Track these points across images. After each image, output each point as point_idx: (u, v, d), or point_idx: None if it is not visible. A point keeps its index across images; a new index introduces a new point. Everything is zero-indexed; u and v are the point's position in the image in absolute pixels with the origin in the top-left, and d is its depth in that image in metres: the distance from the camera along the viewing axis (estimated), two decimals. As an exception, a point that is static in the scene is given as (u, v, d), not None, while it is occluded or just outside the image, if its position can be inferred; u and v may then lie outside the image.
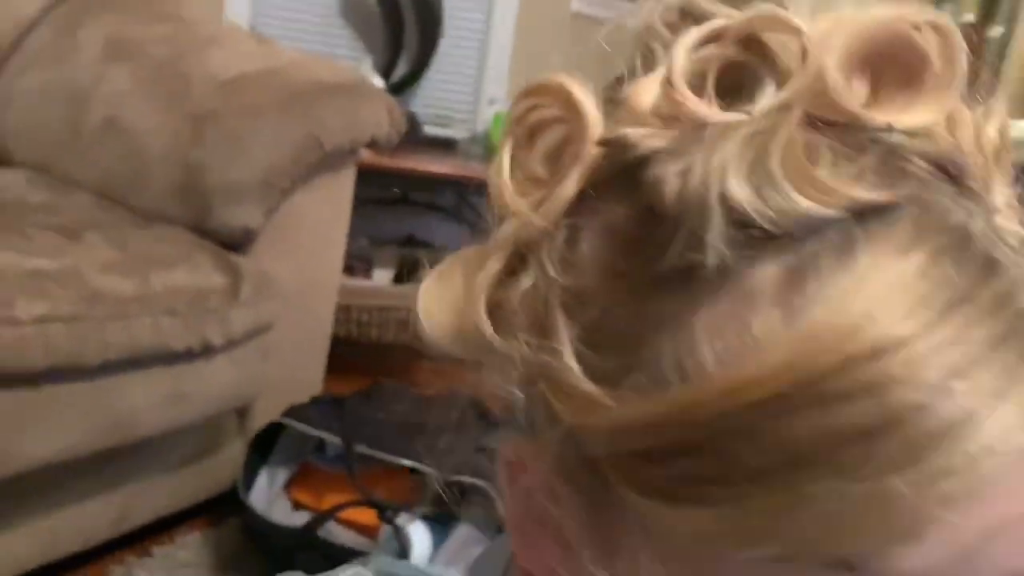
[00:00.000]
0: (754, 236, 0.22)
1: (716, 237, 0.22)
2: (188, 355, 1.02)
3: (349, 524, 1.02)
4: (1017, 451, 0.21)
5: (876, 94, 0.24)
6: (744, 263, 0.22)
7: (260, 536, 1.05)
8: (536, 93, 0.27)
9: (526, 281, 0.26)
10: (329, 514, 1.00)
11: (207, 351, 1.04)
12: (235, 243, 1.15)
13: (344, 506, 0.99)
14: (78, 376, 0.91)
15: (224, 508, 1.21)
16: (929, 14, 0.24)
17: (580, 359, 0.24)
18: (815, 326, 0.21)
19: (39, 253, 0.95)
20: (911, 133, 0.24)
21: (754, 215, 0.22)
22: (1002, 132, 0.26)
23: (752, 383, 0.21)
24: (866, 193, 0.22)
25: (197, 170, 1.14)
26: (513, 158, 0.27)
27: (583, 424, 0.24)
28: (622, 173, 0.24)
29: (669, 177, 0.23)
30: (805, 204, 0.22)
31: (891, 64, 0.24)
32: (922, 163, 0.23)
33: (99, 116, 1.22)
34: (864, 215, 0.22)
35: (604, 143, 0.25)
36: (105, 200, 1.18)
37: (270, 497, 1.11)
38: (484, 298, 0.27)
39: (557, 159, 0.26)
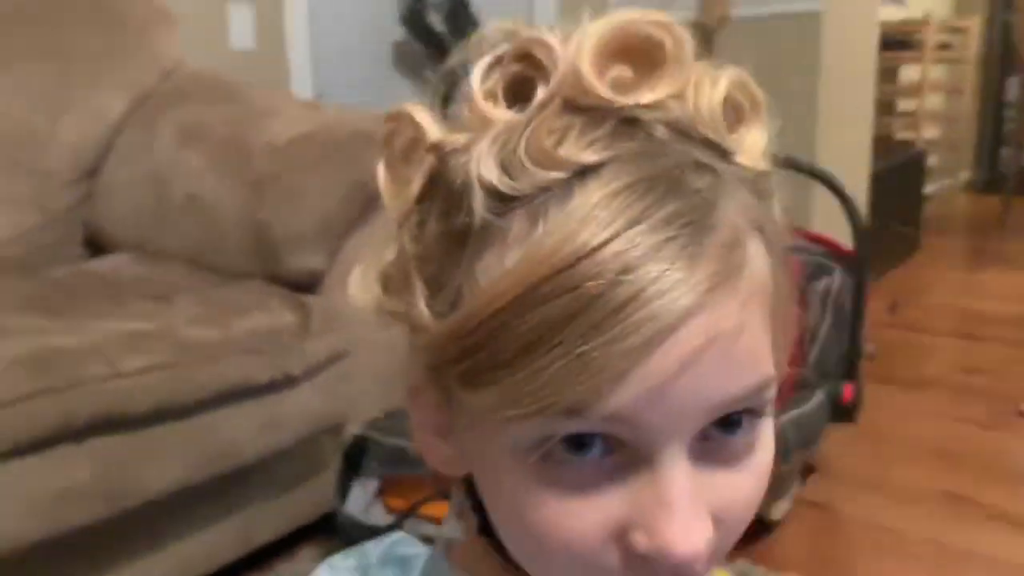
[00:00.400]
0: (505, 200, 0.32)
1: (479, 205, 0.32)
2: (273, 386, 1.16)
3: (433, 519, 1.13)
4: (677, 315, 0.29)
5: (635, 78, 0.33)
6: (499, 220, 0.32)
7: (357, 540, 1.18)
8: (393, 119, 0.37)
9: (396, 254, 0.37)
10: (411, 511, 1.11)
11: (290, 381, 1.18)
12: (306, 285, 1.30)
13: (423, 501, 1.10)
14: (179, 415, 1.07)
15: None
16: (658, 14, 0.33)
17: (427, 304, 0.34)
18: (538, 250, 0.30)
19: (137, 318, 1.12)
20: (655, 105, 0.32)
21: (501, 187, 0.31)
22: (730, 94, 0.34)
23: (500, 295, 0.30)
24: (588, 157, 0.31)
25: (264, 227, 1.30)
26: (387, 167, 0.37)
27: (428, 342, 0.34)
28: (437, 169, 0.35)
29: (456, 167, 0.33)
30: (540, 173, 0.31)
31: (638, 54, 0.33)
32: (660, 126, 0.32)
33: (180, 195, 1.40)
34: (584, 172, 0.31)
35: (429, 148, 0.35)
36: (192, 266, 1.36)
37: (365, 506, 1.23)
38: (377, 272, 0.37)
39: (411, 161, 0.36)
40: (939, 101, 4.34)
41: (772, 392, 0.34)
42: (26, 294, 1.23)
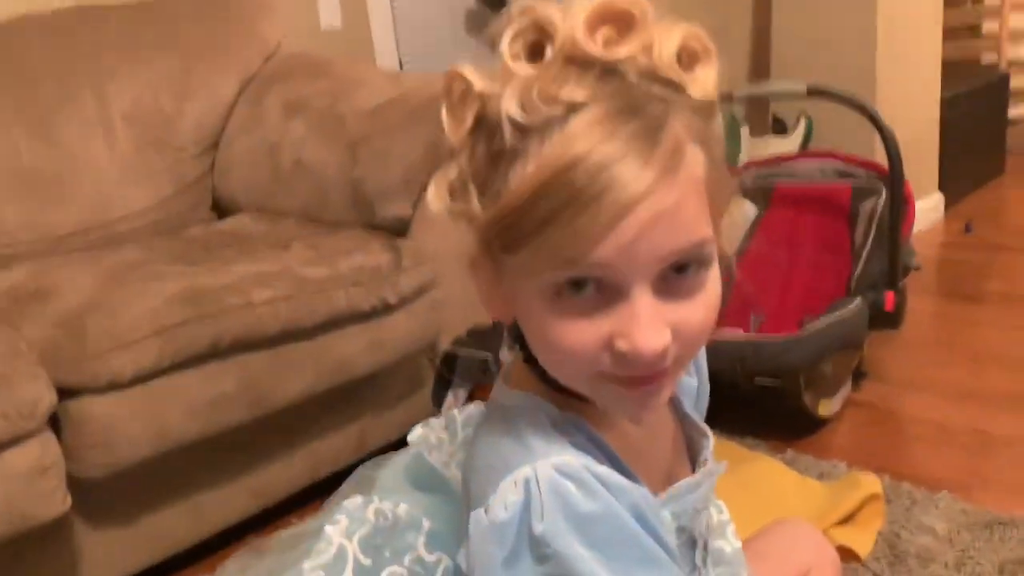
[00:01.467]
0: (527, 128, 0.47)
1: (508, 134, 0.47)
2: (375, 312, 1.38)
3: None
4: (634, 197, 0.45)
5: (616, 37, 0.48)
6: (521, 143, 0.47)
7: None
8: (449, 77, 0.50)
9: (457, 171, 0.52)
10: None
11: (388, 308, 1.40)
12: (397, 229, 1.51)
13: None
14: (301, 336, 1.30)
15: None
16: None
17: (479, 201, 0.50)
18: (545, 160, 0.46)
19: (262, 262, 1.35)
20: (629, 57, 0.47)
21: (521, 120, 0.47)
22: (683, 44, 0.48)
23: (523, 192, 0.46)
24: (578, 96, 0.46)
25: (359, 183, 1.51)
26: (448, 111, 0.51)
27: (480, 227, 0.50)
28: (482, 111, 0.50)
29: (492, 109, 0.48)
30: (545, 109, 0.46)
31: (615, 20, 0.48)
32: (632, 73, 0.47)
33: (289, 160, 1.63)
34: (576, 107, 0.46)
35: (476, 95, 0.50)
36: (303, 220, 1.59)
37: (460, 408, 1.45)
38: (446, 184, 0.53)
39: (465, 106, 0.51)
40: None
41: (711, 248, 0.49)
42: (170, 249, 1.49)
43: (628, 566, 0.50)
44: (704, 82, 0.49)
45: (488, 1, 2.30)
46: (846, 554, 1.12)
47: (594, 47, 0.46)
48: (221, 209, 1.79)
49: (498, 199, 0.48)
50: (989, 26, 3.81)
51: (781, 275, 1.76)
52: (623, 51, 0.46)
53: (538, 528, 0.49)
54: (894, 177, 1.50)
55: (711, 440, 0.68)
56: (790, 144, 2.38)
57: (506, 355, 0.61)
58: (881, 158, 1.84)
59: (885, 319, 1.49)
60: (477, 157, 0.50)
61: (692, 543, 0.65)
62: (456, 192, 0.51)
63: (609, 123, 0.45)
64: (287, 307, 1.28)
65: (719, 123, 0.51)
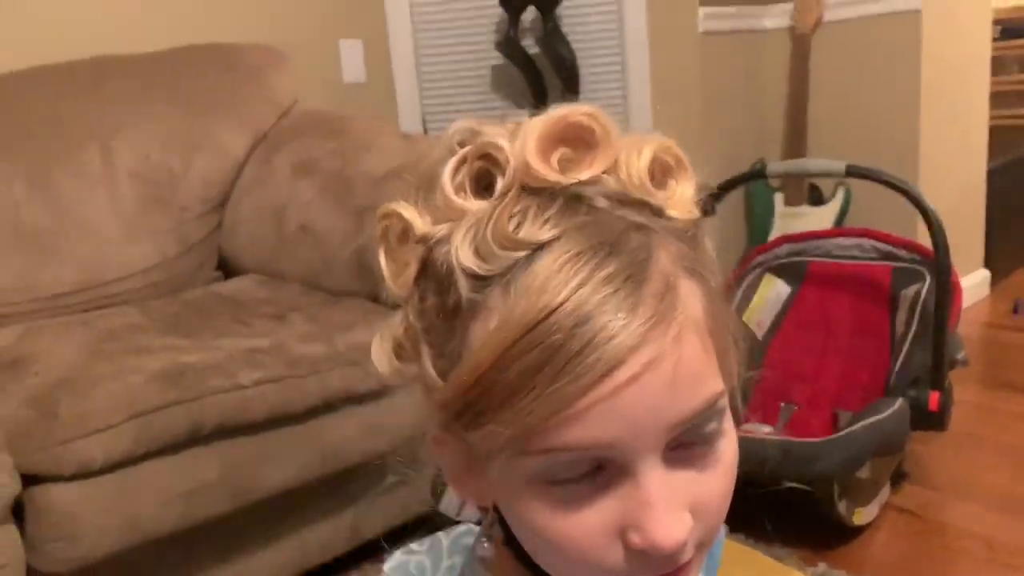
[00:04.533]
0: (484, 279, 0.39)
1: (463, 286, 0.39)
2: (372, 395, 1.29)
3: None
4: (622, 352, 0.36)
5: (576, 159, 0.40)
6: (480, 295, 0.39)
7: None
8: (385, 216, 0.44)
9: (405, 328, 0.44)
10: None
11: (387, 390, 1.31)
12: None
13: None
14: (290, 422, 1.21)
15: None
16: (586, 107, 0.40)
17: (434, 365, 0.42)
18: (510, 316, 0.37)
19: (256, 335, 1.27)
20: (593, 181, 0.40)
21: (478, 270, 0.39)
22: (654, 158, 0.41)
23: (487, 356, 0.37)
24: (543, 235, 0.38)
25: (365, 252, 1.43)
26: (387, 256, 0.45)
27: (439, 399, 0.41)
28: (427, 256, 0.42)
29: (440, 256, 0.41)
30: (506, 255, 0.38)
31: (573, 140, 0.40)
32: (600, 198, 0.39)
33: (294, 224, 1.56)
34: (543, 245, 0.38)
35: (419, 239, 0.42)
36: (306, 287, 1.51)
37: (458, 506, 1.34)
38: (391, 345, 0.45)
39: (406, 250, 0.43)
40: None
41: (724, 403, 0.40)
42: (166, 315, 1.42)
43: None
44: (683, 199, 0.41)
45: (514, 56, 2.25)
46: None
47: (551, 172, 0.39)
48: (228, 269, 1.73)
49: (457, 361, 0.40)
50: (1036, 92, 3.70)
51: (814, 361, 1.64)
52: (585, 174, 0.39)
53: None
54: (940, 265, 1.39)
55: None
56: (827, 214, 2.27)
57: (483, 543, 0.51)
58: (922, 237, 1.72)
59: (929, 420, 1.37)
60: (428, 310, 0.42)
61: None
62: (405, 352, 0.44)
63: (584, 263, 0.37)
64: (277, 390, 1.19)
65: (709, 246, 0.43)
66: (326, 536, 1.37)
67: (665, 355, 0.37)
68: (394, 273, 0.43)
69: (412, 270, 0.42)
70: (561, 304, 0.36)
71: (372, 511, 1.41)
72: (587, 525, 0.39)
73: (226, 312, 1.42)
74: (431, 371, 0.42)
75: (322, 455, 1.26)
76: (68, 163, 1.59)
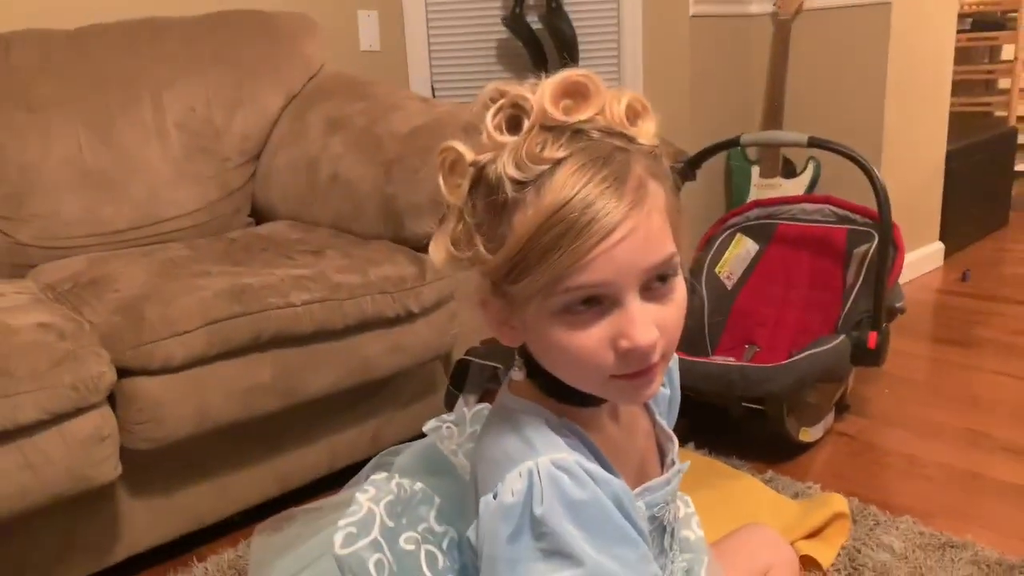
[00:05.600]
0: (524, 183, 0.60)
1: (509, 189, 0.59)
2: (398, 319, 1.52)
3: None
4: (615, 222, 0.58)
5: (576, 106, 0.62)
6: (520, 194, 0.60)
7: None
8: (444, 151, 0.63)
9: (461, 226, 0.65)
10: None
11: (410, 316, 1.54)
12: (423, 244, 1.64)
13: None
14: (332, 336, 1.44)
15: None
16: (582, 71, 0.63)
17: (485, 247, 0.63)
18: (541, 204, 0.59)
19: (301, 266, 1.49)
20: (589, 120, 0.62)
21: (519, 177, 0.60)
22: (628, 105, 0.63)
23: (526, 232, 0.59)
24: (560, 153, 0.59)
25: (391, 200, 1.65)
26: (444, 178, 0.65)
27: (488, 271, 0.63)
28: (479, 174, 0.63)
29: (491, 171, 0.62)
30: (536, 167, 0.60)
31: (574, 93, 0.62)
32: (594, 131, 0.61)
33: (326, 174, 1.78)
34: (559, 161, 0.60)
35: (471, 164, 0.64)
36: (337, 230, 1.73)
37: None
38: (449, 238, 0.66)
39: (458, 173, 0.65)
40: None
41: (677, 260, 0.63)
42: (214, 250, 1.63)
43: (608, 543, 0.62)
44: (648, 132, 0.63)
45: (518, 31, 2.45)
46: (810, 563, 1.23)
47: (560, 115, 0.60)
48: (259, 215, 1.94)
49: (504, 240, 0.60)
50: (1003, 82, 3.93)
51: (775, 310, 1.88)
52: (583, 115, 0.60)
53: (538, 510, 0.60)
54: (883, 223, 1.62)
55: (676, 444, 0.80)
56: (798, 186, 2.51)
57: (516, 372, 0.74)
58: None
59: (867, 356, 1.61)
60: (479, 210, 0.61)
61: (662, 530, 0.77)
62: (461, 242, 0.64)
63: (587, 171, 0.57)
64: (321, 309, 1.41)
65: (665, 162, 0.65)
66: (353, 440, 1.60)
67: (640, 224, 0.58)
68: (451, 189, 0.63)
69: (465, 186, 0.62)
70: (575, 195, 0.57)
71: (391, 422, 1.65)
72: (592, 338, 0.60)
73: (269, 248, 1.63)
74: (483, 251, 0.62)
75: (355, 368, 1.49)
76: (125, 113, 1.79)
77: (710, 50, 2.58)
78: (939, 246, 2.87)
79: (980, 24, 3.65)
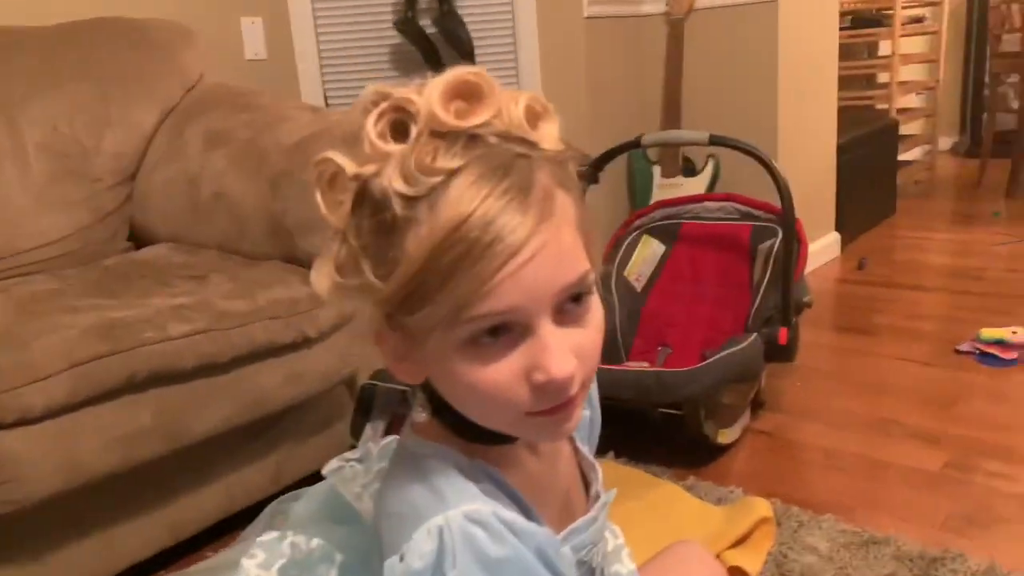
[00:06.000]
0: (413, 199, 0.52)
1: (397, 206, 0.52)
2: (293, 346, 1.41)
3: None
4: (520, 241, 0.51)
5: (469, 109, 0.54)
6: (411, 212, 0.52)
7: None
8: (320, 163, 0.55)
9: (345, 249, 0.56)
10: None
11: (307, 341, 1.43)
12: (317, 264, 1.54)
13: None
14: (218, 370, 1.32)
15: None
16: (474, 68, 0.56)
17: (374, 273, 0.54)
18: (437, 223, 0.51)
19: (181, 294, 1.37)
20: (484, 124, 0.54)
21: (408, 192, 0.52)
22: (527, 107, 0.56)
23: (421, 255, 0.51)
24: (454, 163, 0.52)
25: (279, 217, 1.54)
26: (322, 195, 0.55)
27: (380, 301, 0.55)
28: (362, 189, 0.55)
29: (375, 187, 0.53)
30: (428, 179, 0.52)
31: (466, 93, 0.54)
32: (491, 136, 0.54)
33: (208, 192, 1.65)
34: (453, 172, 0.52)
35: (352, 178, 0.55)
36: (223, 252, 1.61)
37: (378, 439, 1.48)
38: (332, 264, 0.57)
39: (338, 188, 0.56)
40: (921, 72, 4.50)
41: (592, 277, 0.56)
42: (86, 280, 1.49)
43: None
44: (551, 136, 0.56)
45: (411, 36, 2.36)
46: (738, 573, 1.20)
47: (452, 119, 0.52)
48: (138, 239, 1.79)
49: (396, 265, 0.52)
50: (882, 76, 4.09)
51: (686, 310, 1.86)
52: (478, 119, 0.53)
53: (451, 574, 0.53)
54: (786, 220, 1.62)
55: (600, 473, 0.74)
56: (699, 184, 2.51)
57: (418, 413, 0.65)
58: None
59: (780, 352, 1.60)
60: (365, 231, 0.54)
61: (590, 572, 0.71)
62: (346, 269, 0.55)
63: (486, 182, 0.50)
64: (205, 341, 1.29)
65: (572, 169, 0.58)
66: (251, 480, 1.48)
67: (549, 242, 0.51)
68: (331, 208, 0.55)
69: (347, 204, 0.54)
70: (474, 210, 0.49)
71: (294, 456, 1.54)
72: (501, 372, 0.53)
73: (147, 275, 1.49)
74: (372, 278, 0.54)
75: (248, 402, 1.37)
76: (-26, 136, 1.62)
77: (606, 51, 2.56)
78: (836, 236, 2.94)
79: (859, 22, 3.78)
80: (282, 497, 0.88)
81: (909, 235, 3.22)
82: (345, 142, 0.56)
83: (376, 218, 0.53)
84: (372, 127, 0.53)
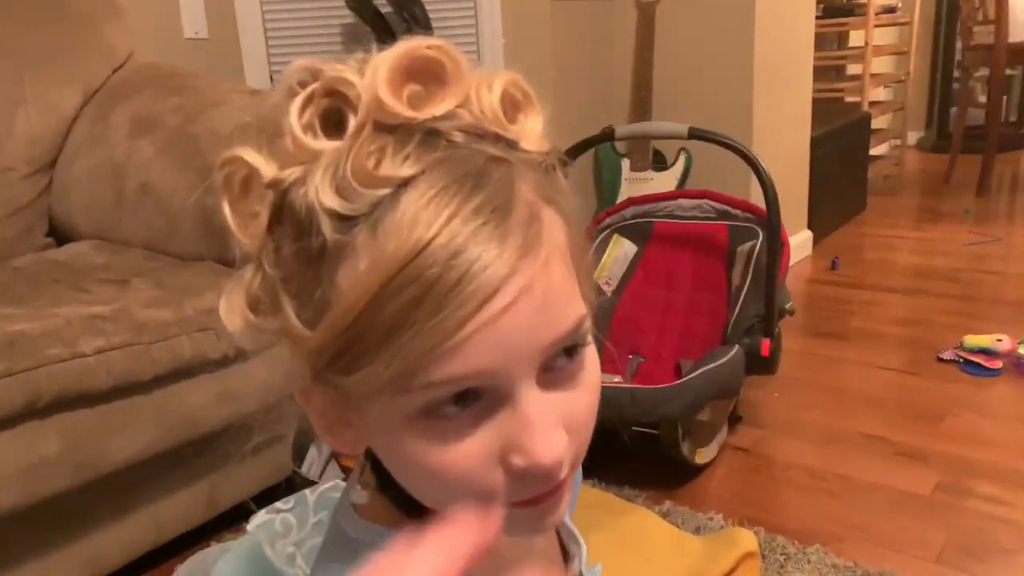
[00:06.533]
0: (348, 219, 0.37)
1: (327, 228, 0.37)
2: (226, 361, 1.25)
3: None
4: (497, 282, 0.36)
5: (427, 94, 0.40)
6: (346, 236, 0.37)
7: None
8: (228, 163, 0.41)
9: (260, 279, 0.42)
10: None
11: (242, 355, 1.26)
12: (256, 266, 1.39)
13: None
14: (137, 391, 1.16)
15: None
16: (433, 40, 0.41)
17: (298, 316, 0.40)
18: (382, 253, 0.36)
19: (97, 302, 1.20)
20: (448, 115, 0.39)
21: (341, 210, 0.37)
22: (505, 92, 0.41)
23: (360, 296, 0.36)
24: (405, 171, 0.37)
25: (213, 213, 1.38)
26: (231, 206, 0.42)
27: (307, 352, 0.40)
28: (280, 201, 0.40)
29: (297, 199, 0.39)
30: (369, 193, 0.37)
31: (424, 74, 0.40)
32: (456, 133, 0.39)
33: (134, 184, 1.48)
34: (405, 183, 0.37)
35: (269, 185, 0.40)
36: (150, 252, 1.44)
37: (320, 467, 1.33)
38: (245, 300, 0.43)
39: (253, 197, 0.41)
40: (889, 64, 4.44)
41: (588, 325, 0.42)
42: (-9, 284, 1.31)
43: None
44: (534, 132, 0.42)
45: (365, 14, 2.20)
46: (723, 621, 1.08)
47: (405, 108, 0.38)
48: (60, 235, 1.61)
49: (326, 307, 0.38)
50: (852, 68, 4.02)
51: (659, 315, 1.74)
52: (439, 109, 0.39)
53: None
54: (772, 223, 1.50)
55: (584, 547, 0.61)
56: (670, 179, 2.39)
57: (358, 492, 0.51)
58: (754, 197, 1.85)
59: (761, 365, 1.49)
60: (285, 258, 0.40)
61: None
62: (262, 305, 0.42)
63: (451, 197, 0.36)
64: (122, 357, 1.13)
65: (561, 176, 0.44)
66: (182, 507, 1.32)
67: (536, 281, 0.37)
68: (241, 224, 0.41)
69: (263, 219, 0.40)
70: (434, 238, 0.35)
71: (230, 479, 1.38)
72: (469, 454, 0.39)
73: (62, 279, 1.32)
74: (295, 322, 0.39)
75: (174, 424, 1.22)
76: None
77: (572, 36, 2.42)
78: (808, 234, 2.85)
79: (830, 11, 3.69)
80: (203, 552, 0.74)
81: (880, 233, 3.15)
82: (266, 133, 0.41)
83: (299, 243, 0.39)
84: (296, 117, 0.39)
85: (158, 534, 1.30)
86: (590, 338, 0.43)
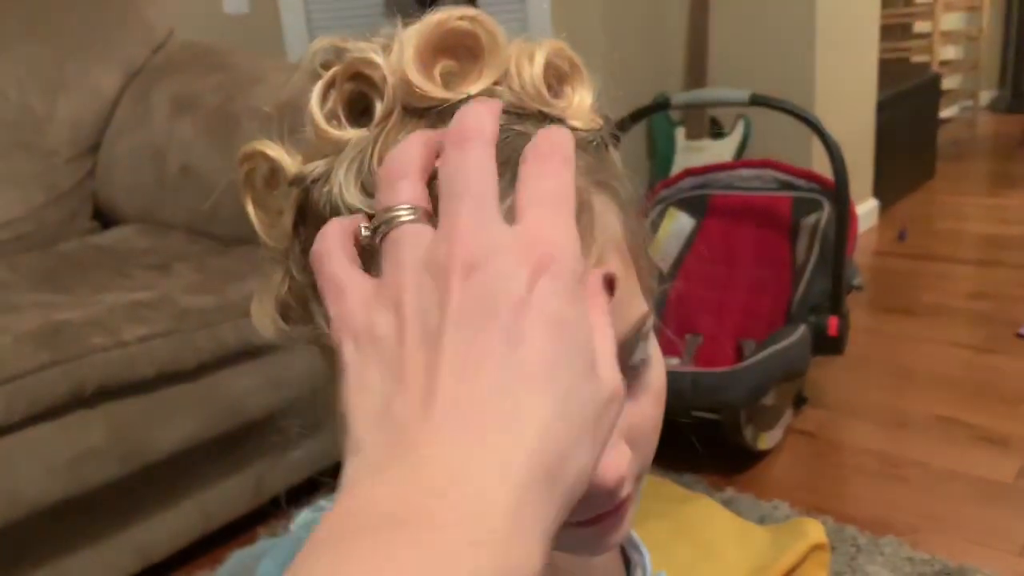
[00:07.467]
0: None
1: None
2: (270, 347, 1.22)
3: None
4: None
5: (461, 71, 0.35)
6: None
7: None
8: (248, 158, 0.37)
9: (288, 285, 0.38)
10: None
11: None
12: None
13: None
14: (183, 378, 1.14)
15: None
16: (464, 9, 0.35)
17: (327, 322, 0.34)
18: None
19: (140, 288, 1.18)
20: (485, 93, 0.34)
21: (368, 210, 0.32)
22: (549, 64, 0.36)
23: None
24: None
25: (255, 194, 1.35)
26: (255, 204, 0.38)
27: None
28: (304, 199, 0.35)
29: (321, 197, 0.34)
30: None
31: (456, 49, 0.34)
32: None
33: (175, 166, 1.45)
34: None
35: (292, 181, 0.35)
36: (193, 234, 1.42)
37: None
38: (275, 307, 0.39)
39: (275, 195, 0.37)
40: (958, 21, 4.21)
41: (651, 324, 0.37)
42: (36, 269, 1.30)
43: None
44: (583, 108, 0.36)
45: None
46: (792, 621, 1.02)
47: (437, 89, 0.33)
48: (104, 218, 1.60)
49: None
50: (920, 25, 3.81)
51: (718, 293, 1.66)
52: (475, 87, 0.34)
53: None
54: (840, 194, 1.41)
55: (647, 555, 0.55)
56: (728, 147, 2.29)
57: None
58: (817, 166, 1.75)
59: (828, 345, 1.41)
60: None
61: None
62: (293, 312, 0.37)
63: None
64: (165, 345, 1.11)
65: (614, 155, 0.38)
66: (228, 496, 1.31)
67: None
68: (266, 223, 0.37)
69: (288, 218, 0.36)
70: None
71: (277, 467, 1.36)
72: None
73: (105, 264, 1.31)
74: (328, 331, 0.33)
75: (218, 412, 1.20)
76: (-90, 104, 1.43)
77: (624, 2, 2.32)
78: (874, 203, 2.71)
79: (895, -35, 3.50)
80: (248, 549, 0.70)
81: (951, 201, 2.99)
82: (286, 123, 0.36)
83: None
84: (318, 104, 0.34)
85: (206, 523, 1.29)
86: (654, 337, 0.38)
